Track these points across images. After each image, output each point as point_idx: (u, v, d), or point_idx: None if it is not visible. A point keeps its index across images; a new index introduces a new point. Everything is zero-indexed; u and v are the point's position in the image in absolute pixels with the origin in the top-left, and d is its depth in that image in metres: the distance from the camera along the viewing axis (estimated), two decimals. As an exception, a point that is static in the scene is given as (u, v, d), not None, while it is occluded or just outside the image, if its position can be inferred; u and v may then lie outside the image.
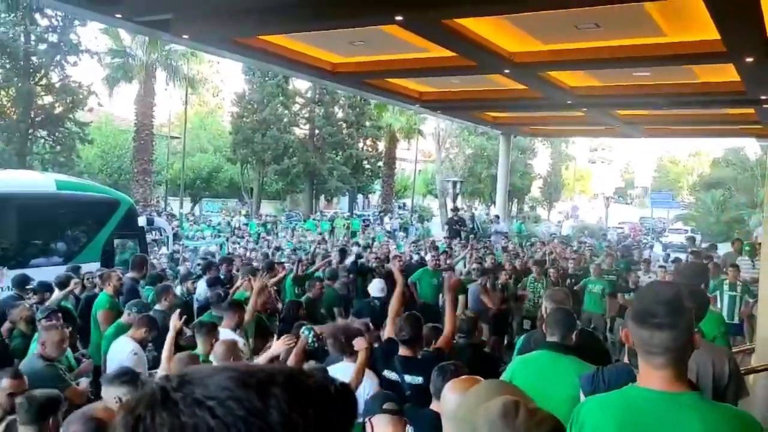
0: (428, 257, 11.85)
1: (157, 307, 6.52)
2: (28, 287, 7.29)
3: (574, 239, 23.19)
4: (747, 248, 11.32)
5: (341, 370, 4.07)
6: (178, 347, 4.97)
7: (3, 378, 3.78)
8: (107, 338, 5.76)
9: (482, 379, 2.35)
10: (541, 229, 33.09)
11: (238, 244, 18.30)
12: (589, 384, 3.02)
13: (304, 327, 4.90)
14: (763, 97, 12.09)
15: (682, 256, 14.91)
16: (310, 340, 4.58)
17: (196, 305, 8.14)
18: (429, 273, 10.02)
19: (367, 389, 4.04)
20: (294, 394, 0.76)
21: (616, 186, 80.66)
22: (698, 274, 5.02)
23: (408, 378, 4.22)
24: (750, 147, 38.55)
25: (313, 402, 0.77)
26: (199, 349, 5.00)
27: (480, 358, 5.02)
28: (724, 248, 15.24)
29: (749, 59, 9.16)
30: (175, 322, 4.88)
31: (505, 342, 9.67)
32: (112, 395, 3.56)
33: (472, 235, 18.95)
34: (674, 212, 41.14)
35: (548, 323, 3.75)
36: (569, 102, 14.01)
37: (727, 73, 10.78)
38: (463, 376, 3.00)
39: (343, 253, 11.88)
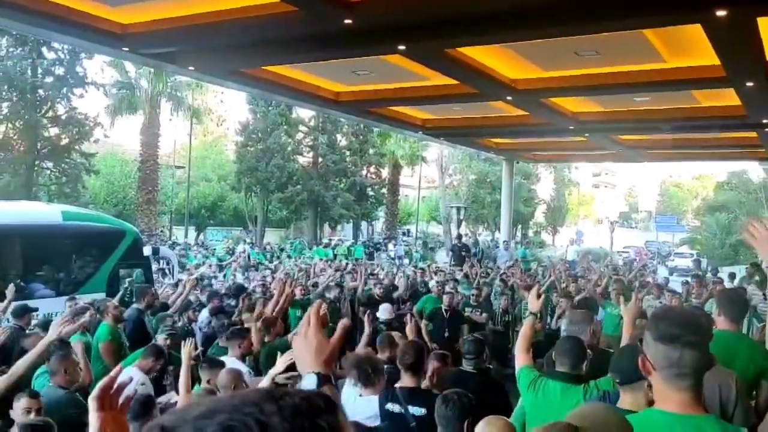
0: (432, 283, 11.76)
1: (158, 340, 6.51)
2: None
3: (579, 264, 23.06)
4: (757, 278, 11.22)
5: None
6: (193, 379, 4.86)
7: (22, 398, 4.06)
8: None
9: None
10: (546, 254, 32.96)
11: (237, 273, 18.11)
12: None
13: None
14: (765, 121, 12.12)
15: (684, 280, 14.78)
16: None
17: (199, 334, 8.11)
18: (433, 300, 9.99)
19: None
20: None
21: (620, 210, 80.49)
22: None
23: (412, 409, 4.12)
24: (753, 170, 38.55)
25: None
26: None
27: (486, 386, 4.61)
28: (729, 271, 15.15)
29: (750, 84, 9.22)
30: (189, 351, 4.66)
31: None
32: None
33: (476, 259, 18.88)
34: (679, 236, 40.89)
35: (557, 352, 3.73)
36: (571, 127, 14.08)
37: (728, 98, 10.83)
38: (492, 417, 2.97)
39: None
